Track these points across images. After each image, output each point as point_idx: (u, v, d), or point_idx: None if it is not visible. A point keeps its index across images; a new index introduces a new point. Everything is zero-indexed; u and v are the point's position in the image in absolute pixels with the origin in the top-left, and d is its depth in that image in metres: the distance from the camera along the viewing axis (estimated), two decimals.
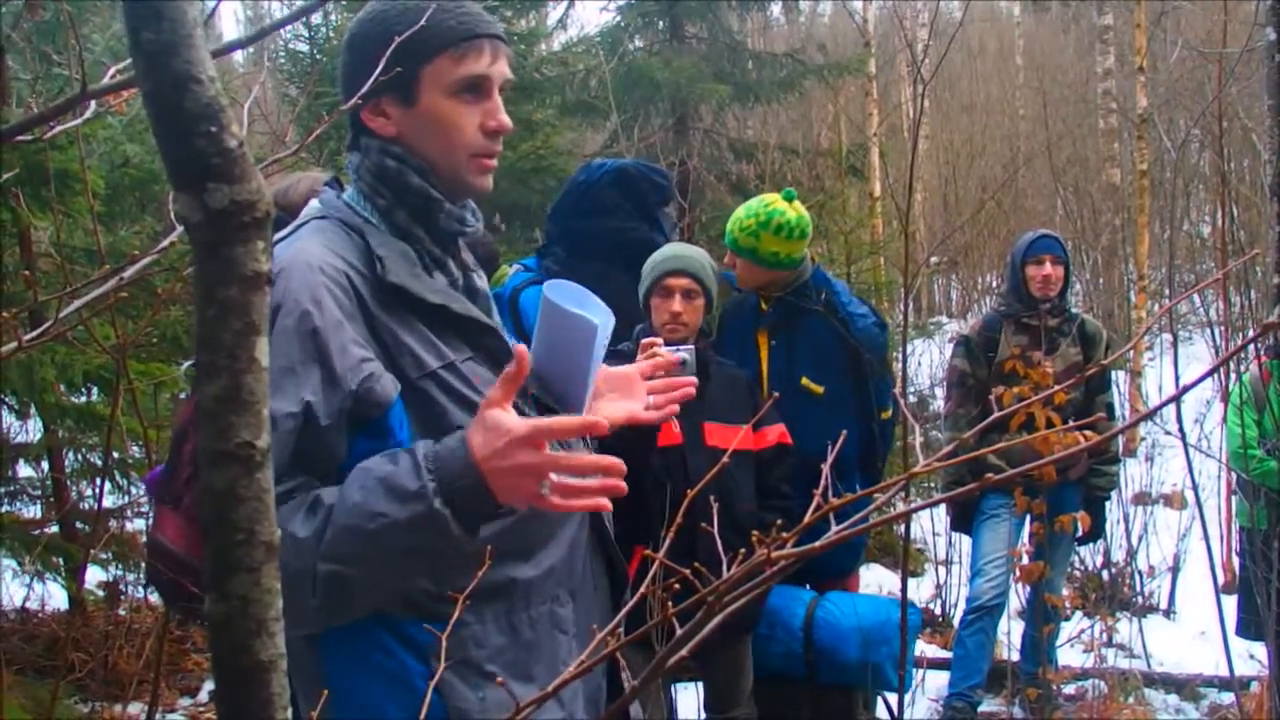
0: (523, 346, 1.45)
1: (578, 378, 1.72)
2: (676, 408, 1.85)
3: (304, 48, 8.87)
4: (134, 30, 0.64)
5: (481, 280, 1.78)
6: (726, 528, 3.47)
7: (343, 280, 1.53)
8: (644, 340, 3.20)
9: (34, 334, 1.22)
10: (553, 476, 1.40)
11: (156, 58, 0.64)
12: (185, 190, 0.67)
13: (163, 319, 5.08)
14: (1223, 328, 10.41)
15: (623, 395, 1.83)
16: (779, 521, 1.00)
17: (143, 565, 4.92)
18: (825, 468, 1.08)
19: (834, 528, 1.10)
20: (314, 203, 1.71)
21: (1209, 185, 14.56)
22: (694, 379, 1.89)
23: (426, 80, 1.63)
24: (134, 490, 5.40)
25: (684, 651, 0.81)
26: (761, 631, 3.66)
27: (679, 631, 0.84)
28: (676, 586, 0.92)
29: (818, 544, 0.78)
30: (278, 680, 0.73)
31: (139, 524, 5.46)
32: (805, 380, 3.83)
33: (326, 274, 1.52)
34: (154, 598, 5.24)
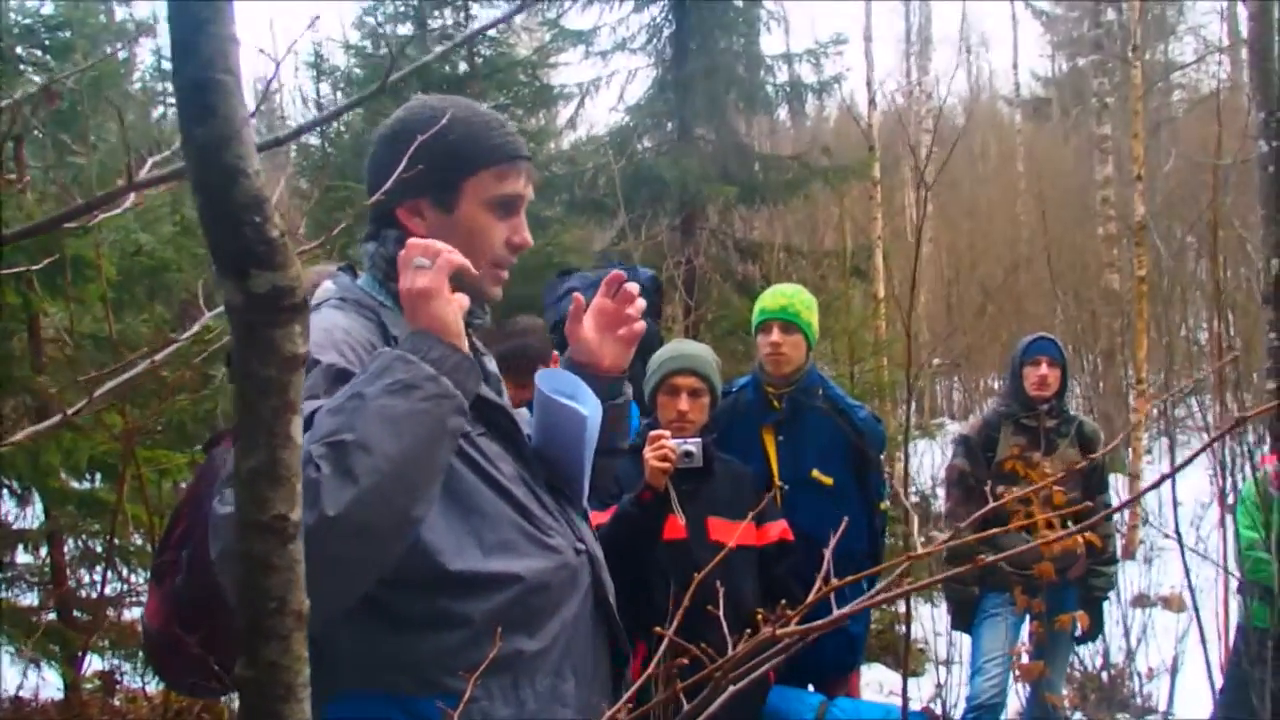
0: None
1: (574, 462, 1.79)
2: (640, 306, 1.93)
3: (315, 141, 9.06)
4: (187, 125, 0.69)
5: (491, 363, 1.85)
6: (731, 621, 3.48)
7: (365, 347, 1.60)
8: (651, 433, 3.27)
9: (50, 422, 1.26)
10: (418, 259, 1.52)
11: (208, 151, 0.70)
12: (229, 276, 0.72)
13: (169, 406, 5.12)
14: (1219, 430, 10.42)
15: (613, 325, 1.94)
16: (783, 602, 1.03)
17: (140, 653, 4.88)
18: (828, 553, 1.11)
19: (835, 612, 1.13)
20: (328, 284, 1.78)
21: (1205, 292, 14.70)
22: (640, 299, 1.94)
23: (468, 191, 1.73)
24: (134, 578, 5.37)
25: None
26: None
27: (686, 707, 0.86)
28: (685, 662, 0.94)
29: (822, 622, 0.81)
30: None
31: (137, 612, 5.41)
32: (815, 472, 3.91)
33: (353, 336, 1.60)
34: (152, 688, 5.18)
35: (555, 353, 3.52)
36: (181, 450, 5.13)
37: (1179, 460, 10.62)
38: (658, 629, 1.01)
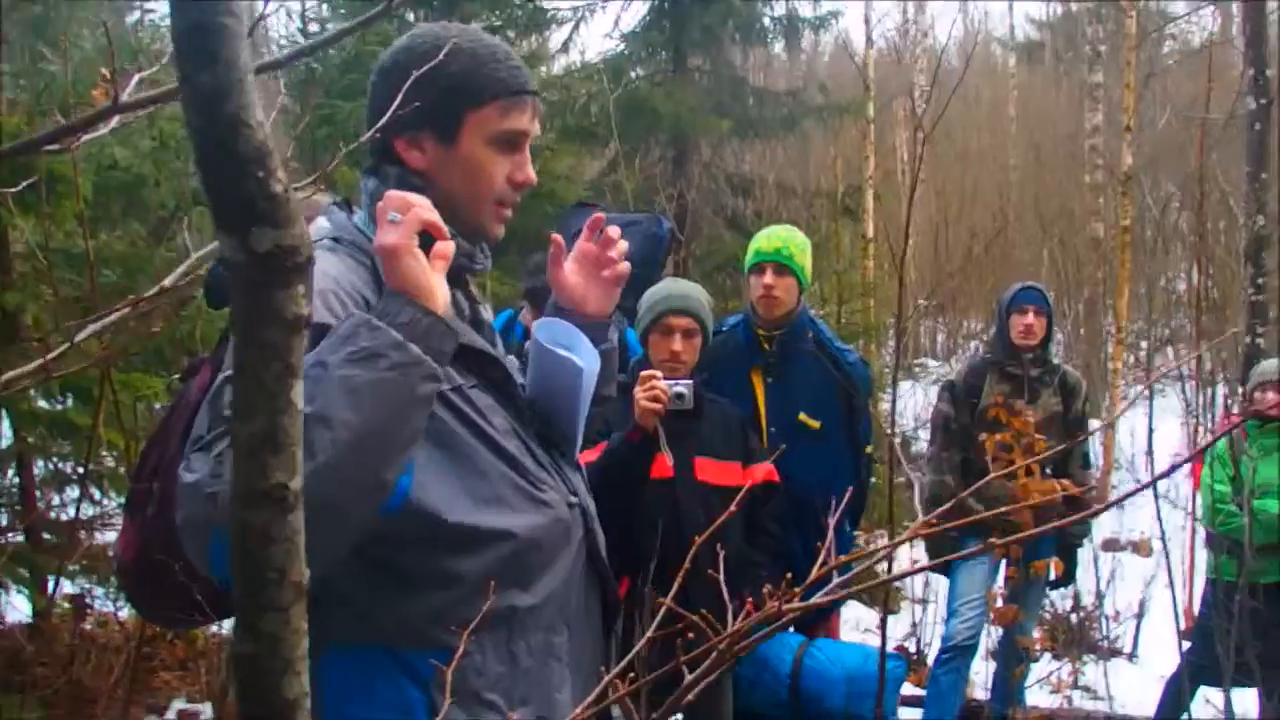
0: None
1: (569, 415, 1.76)
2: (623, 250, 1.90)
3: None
4: (187, 72, 0.65)
5: (487, 312, 1.80)
6: (704, 555, 3.50)
7: (357, 297, 1.55)
8: (642, 373, 3.25)
9: (29, 368, 1.22)
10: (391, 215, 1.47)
11: (209, 100, 0.65)
12: (230, 232, 0.68)
13: (144, 331, 5.03)
14: (1194, 381, 10.56)
15: (596, 268, 1.88)
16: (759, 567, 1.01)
17: (112, 579, 4.86)
18: (831, 525, 1.09)
19: (835, 579, 1.12)
20: (323, 222, 1.72)
21: (1186, 244, 14.73)
22: (623, 242, 1.90)
23: (471, 125, 1.66)
24: (106, 501, 5.33)
25: (690, 696, 0.83)
26: (748, 675, 3.67)
27: (688, 677, 0.85)
28: (691, 635, 0.93)
29: (825, 598, 0.79)
30: (303, 717, 0.73)
31: (110, 536, 5.38)
32: (803, 416, 3.92)
33: (342, 285, 1.54)
34: (124, 613, 5.17)
35: None
36: (157, 374, 5.06)
37: (1156, 409, 10.73)
38: (661, 600, 0.99)
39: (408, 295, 1.44)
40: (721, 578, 1.57)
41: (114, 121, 1.45)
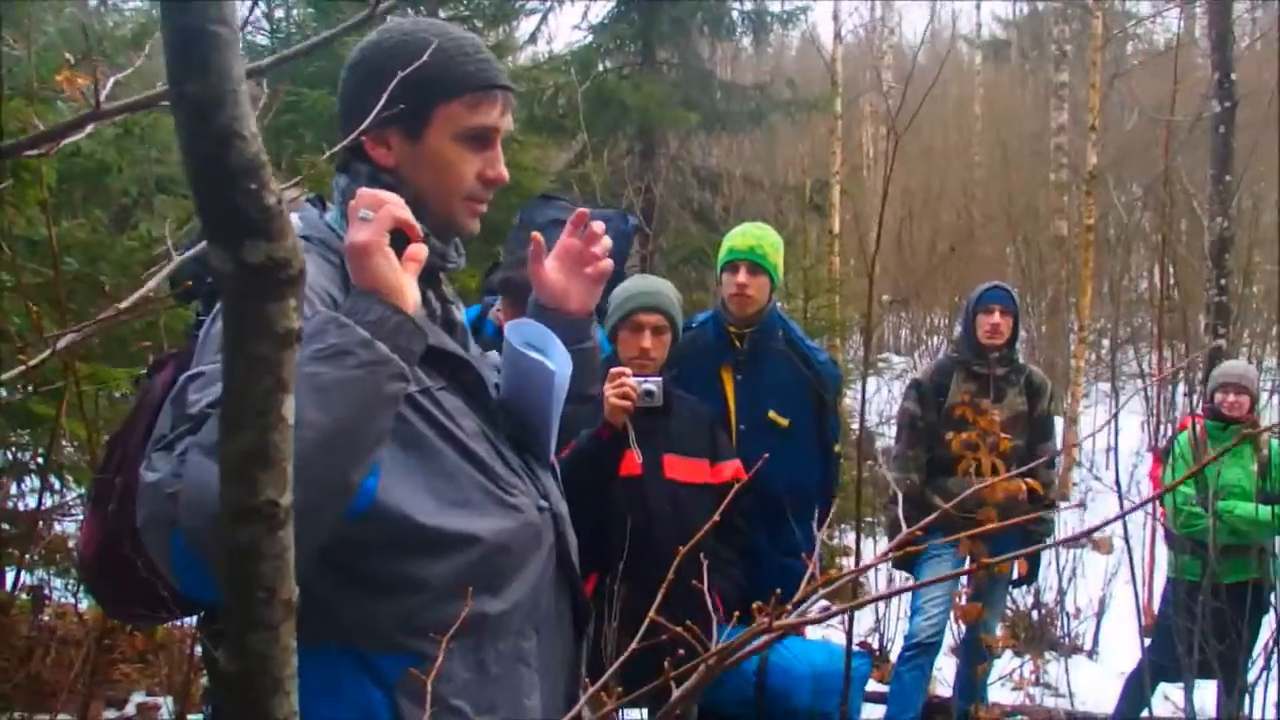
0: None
1: (541, 418, 1.74)
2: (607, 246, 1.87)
3: (264, 41, 8.78)
4: (178, 80, 0.63)
5: (459, 313, 1.77)
6: (684, 561, 3.51)
7: (325, 297, 1.52)
8: (612, 370, 3.24)
9: (11, 374, 1.19)
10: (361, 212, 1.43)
11: (200, 111, 0.64)
12: (221, 245, 0.66)
13: (110, 321, 4.94)
14: (1155, 378, 10.69)
15: (574, 267, 1.87)
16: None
17: (72, 570, 4.79)
18: (810, 529, 1.09)
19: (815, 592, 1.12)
20: (294, 219, 1.69)
21: (1149, 244, 14.91)
22: (606, 239, 1.88)
23: (438, 120, 1.63)
24: (67, 492, 5.25)
25: (678, 710, 0.82)
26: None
27: (675, 692, 0.84)
28: (680, 652, 0.92)
29: (814, 617, 0.79)
30: None
31: (70, 527, 5.30)
32: (772, 413, 3.92)
33: (312, 286, 1.51)
34: (84, 605, 5.10)
35: None
36: (121, 365, 4.99)
37: (1118, 407, 10.86)
38: (653, 616, 0.98)
39: (377, 294, 1.41)
40: (703, 584, 1.58)
41: (90, 126, 1.42)
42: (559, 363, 1.71)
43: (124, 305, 1.05)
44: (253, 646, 0.70)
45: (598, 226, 1.86)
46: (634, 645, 0.98)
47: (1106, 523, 1.00)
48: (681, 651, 0.95)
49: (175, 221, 5.56)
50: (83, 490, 4.88)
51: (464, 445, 1.60)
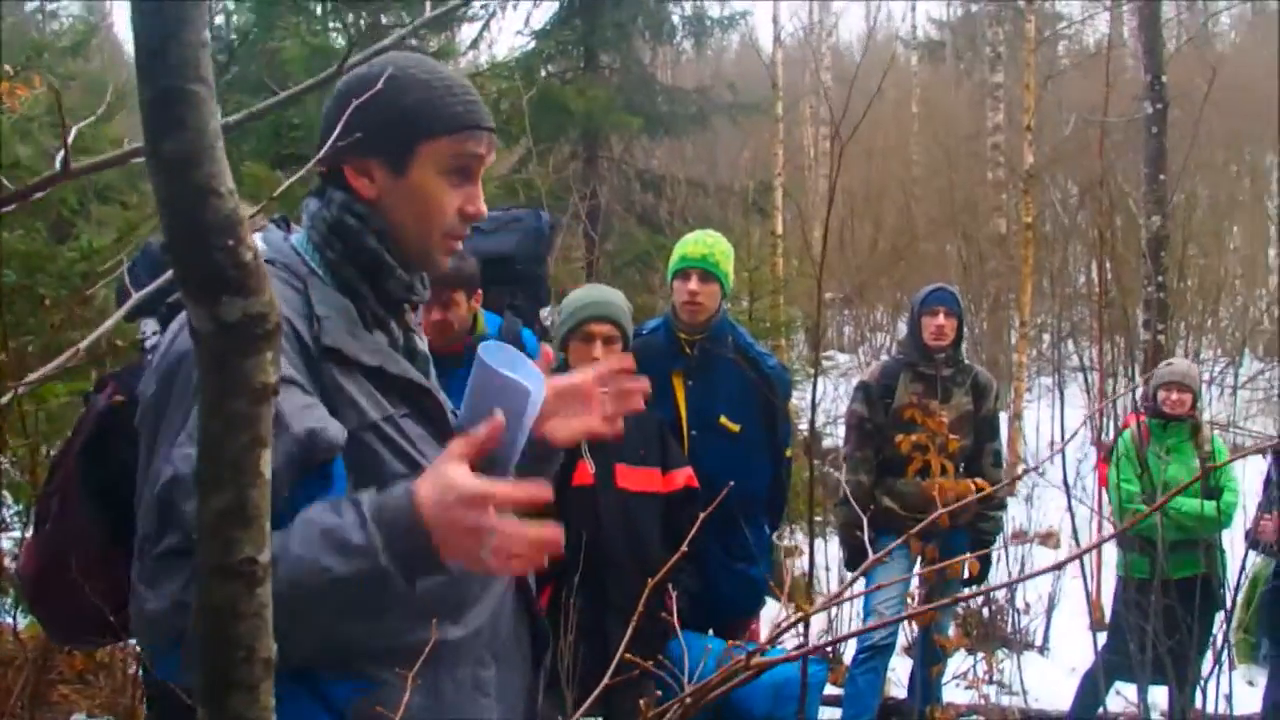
0: (500, 420, 1.47)
1: (507, 441, 1.72)
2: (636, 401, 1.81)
3: (220, 58, 8.67)
4: (154, 138, 0.62)
5: (422, 342, 1.77)
6: (635, 570, 3.53)
7: (287, 328, 1.50)
8: None
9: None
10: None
11: (177, 168, 0.63)
12: (198, 302, 0.66)
13: (45, 331, 4.85)
14: (1097, 373, 10.89)
15: (580, 408, 1.80)
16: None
17: (10, 590, 4.68)
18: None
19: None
20: (256, 239, 1.66)
21: (1086, 241, 15.17)
22: (645, 380, 1.85)
23: (422, 156, 1.62)
24: (4, 510, 5.13)
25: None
26: (673, 681, 3.67)
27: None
28: (658, 693, 0.92)
29: (788, 655, 0.80)
30: None
31: (7, 544, 5.19)
32: (723, 419, 3.95)
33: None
34: (22, 624, 4.99)
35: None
36: (63, 380, 4.89)
37: (1055, 401, 11.03)
38: (629, 655, 0.98)
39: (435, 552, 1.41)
40: (639, 578, 1.58)
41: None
42: (533, 383, 1.70)
43: (83, 346, 1.03)
44: (232, 707, 0.70)
45: (642, 383, 1.80)
46: (606, 681, 0.98)
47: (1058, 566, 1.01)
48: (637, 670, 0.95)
49: (116, 231, 5.48)
50: (20, 507, 4.78)
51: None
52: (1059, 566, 0.97)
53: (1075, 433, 2.03)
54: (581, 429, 1.79)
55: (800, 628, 4.13)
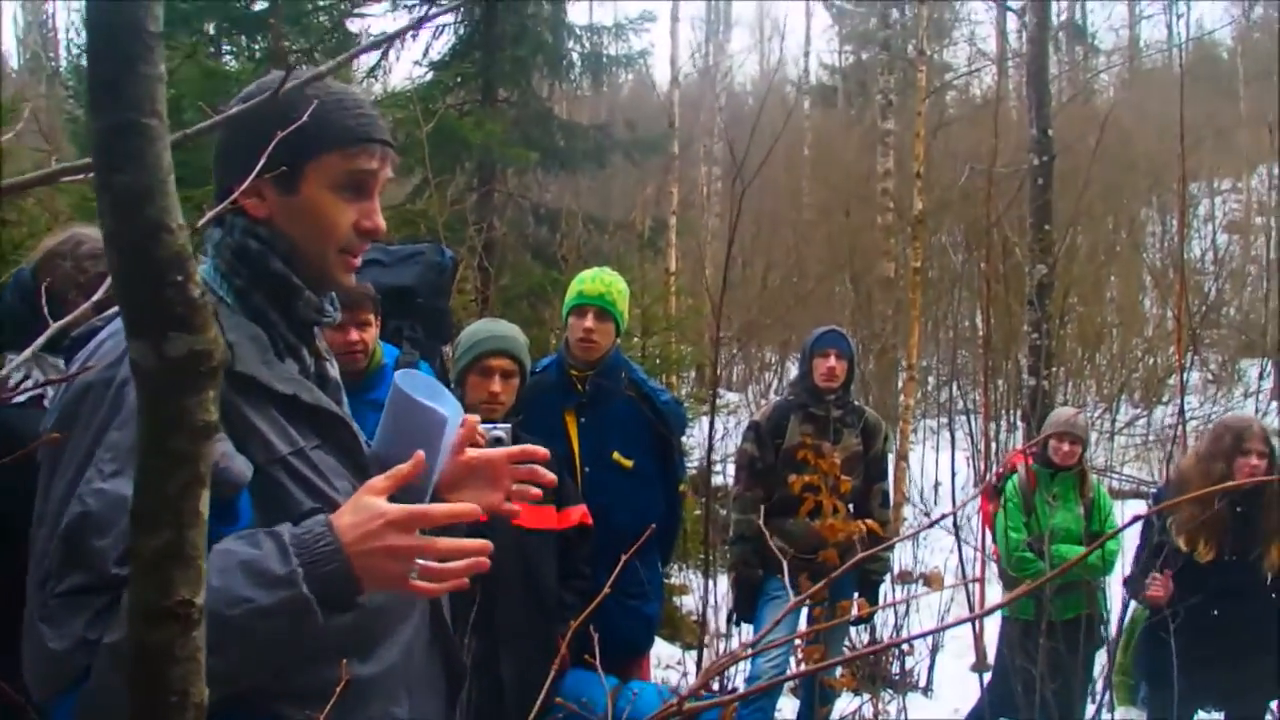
0: (421, 454, 1.46)
1: (425, 470, 1.70)
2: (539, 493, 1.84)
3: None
4: (106, 171, 0.61)
5: (334, 369, 1.73)
6: (532, 606, 3.51)
7: None
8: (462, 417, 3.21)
9: None
10: (419, 561, 1.40)
11: (127, 202, 0.62)
12: (143, 338, 0.64)
13: None
14: (981, 414, 11.22)
15: (486, 483, 1.81)
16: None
17: None
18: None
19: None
20: None
21: (971, 287, 15.64)
22: (553, 475, 1.87)
23: (312, 172, 1.59)
24: None
25: None
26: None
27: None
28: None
29: (734, 695, 0.80)
30: None
31: None
32: (616, 454, 3.97)
33: None
34: None
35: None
36: None
37: (940, 443, 11.29)
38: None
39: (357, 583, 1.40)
40: (534, 614, 1.57)
41: None
42: (451, 410, 1.69)
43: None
44: None
45: (548, 475, 1.83)
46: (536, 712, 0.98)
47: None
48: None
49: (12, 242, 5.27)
50: None
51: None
52: (975, 618, 1.00)
53: (976, 495, 2.09)
54: (486, 507, 1.78)
55: (677, 663, 4.14)
